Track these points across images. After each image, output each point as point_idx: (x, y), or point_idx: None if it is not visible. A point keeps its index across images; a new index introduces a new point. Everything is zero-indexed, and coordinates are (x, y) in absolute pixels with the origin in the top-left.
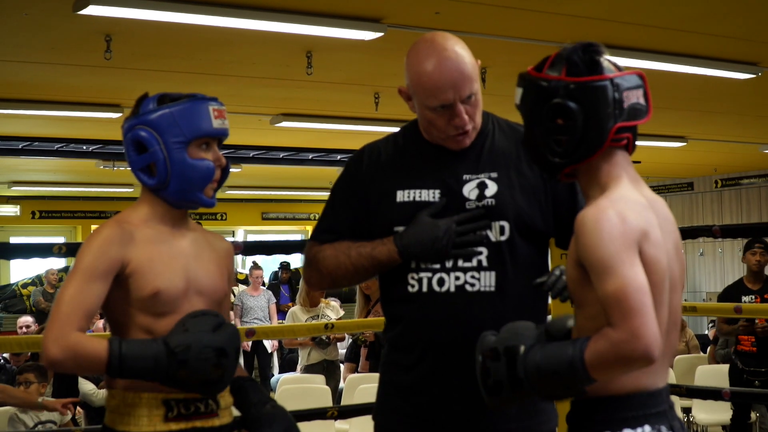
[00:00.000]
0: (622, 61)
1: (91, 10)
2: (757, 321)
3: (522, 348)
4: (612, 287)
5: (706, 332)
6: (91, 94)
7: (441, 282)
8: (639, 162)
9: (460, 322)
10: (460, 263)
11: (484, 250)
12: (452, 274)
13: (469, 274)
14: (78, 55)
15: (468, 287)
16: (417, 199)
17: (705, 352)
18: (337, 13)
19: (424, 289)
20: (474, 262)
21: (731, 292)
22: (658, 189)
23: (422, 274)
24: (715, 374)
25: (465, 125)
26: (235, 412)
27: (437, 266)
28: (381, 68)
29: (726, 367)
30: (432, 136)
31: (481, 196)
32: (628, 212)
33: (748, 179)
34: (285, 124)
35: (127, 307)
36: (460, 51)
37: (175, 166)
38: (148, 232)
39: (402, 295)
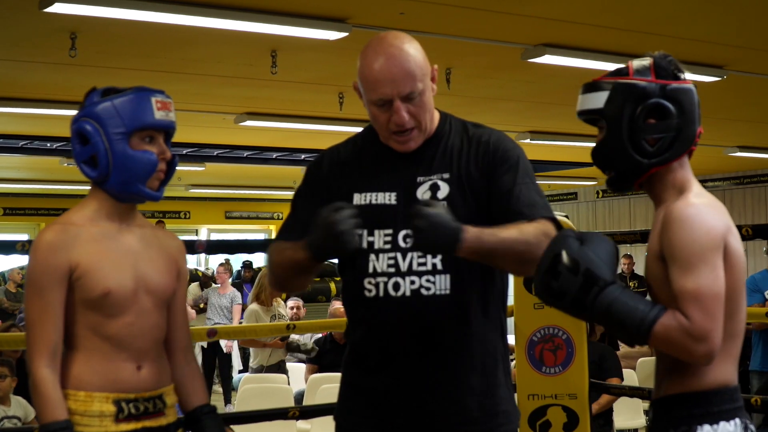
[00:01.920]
0: (586, 63)
1: (57, 7)
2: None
3: (602, 282)
4: (692, 285)
5: None
6: (56, 92)
7: (396, 286)
8: None
9: (416, 325)
10: (415, 267)
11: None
12: (407, 278)
13: (424, 278)
14: (43, 53)
15: (423, 291)
16: (373, 202)
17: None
18: (302, 13)
19: (381, 293)
20: (429, 266)
21: None
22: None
23: (378, 279)
24: None
25: (404, 124)
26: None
27: (392, 270)
28: (345, 68)
29: None
30: (379, 134)
31: (433, 198)
32: (713, 209)
33: (713, 182)
34: (249, 123)
35: (75, 308)
36: (407, 49)
37: (116, 157)
38: (93, 230)
39: (360, 299)
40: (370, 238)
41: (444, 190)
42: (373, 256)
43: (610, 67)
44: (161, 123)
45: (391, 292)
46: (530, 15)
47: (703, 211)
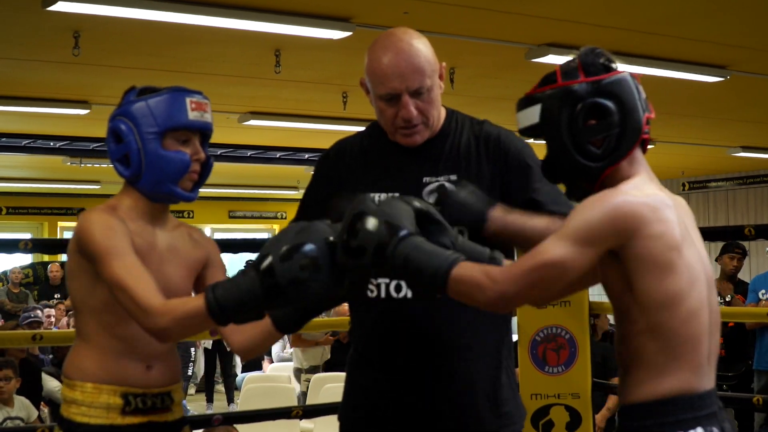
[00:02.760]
0: None
1: (60, 6)
2: (728, 324)
3: (402, 231)
4: (530, 261)
5: None
6: (59, 91)
7: (398, 288)
8: None
9: (418, 327)
10: None
11: None
12: None
13: None
14: (46, 51)
15: None
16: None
17: None
18: (306, 12)
19: (383, 294)
20: None
21: None
22: None
23: (380, 280)
24: None
25: (412, 119)
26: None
27: None
28: (349, 67)
29: None
30: (386, 129)
31: (440, 201)
32: (637, 197)
33: (716, 182)
34: (253, 122)
35: (94, 290)
36: (416, 45)
37: (148, 157)
38: (132, 225)
39: (363, 300)
40: None
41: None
42: None
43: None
44: (195, 123)
45: (393, 294)
46: (534, 15)
47: (617, 195)
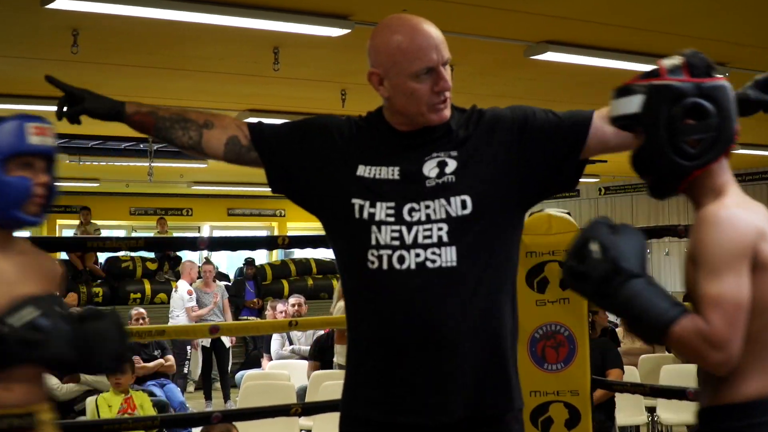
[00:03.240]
0: (589, 60)
1: (59, 4)
2: None
3: (627, 272)
4: (715, 290)
5: None
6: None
7: (401, 259)
8: (605, 161)
9: (420, 299)
10: (420, 240)
11: (444, 225)
12: (412, 251)
13: (429, 250)
14: (45, 50)
15: (429, 264)
16: (377, 176)
17: (669, 351)
18: (305, 10)
19: (384, 266)
20: (434, 238)
21: None
22: (624, 188)
23: (382, 252)
24: (680, 373)
25: (449, 87)
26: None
27: (397, 243)
28: (348, 65)
29: (692, 366)
30: (410, 112)
31: (441, 174)
32: (747, 214)
33: None
34: (252, 119)
35: None
36: (426, 21)
37: None
38: None
39: (361, 271)
40: (371, 210)
41: (452, 165)
42: (375, 228)
43: (617, 64)
44: (36, 148)
45: (396, 265)
46: (533, 12)
47: (735, 214)
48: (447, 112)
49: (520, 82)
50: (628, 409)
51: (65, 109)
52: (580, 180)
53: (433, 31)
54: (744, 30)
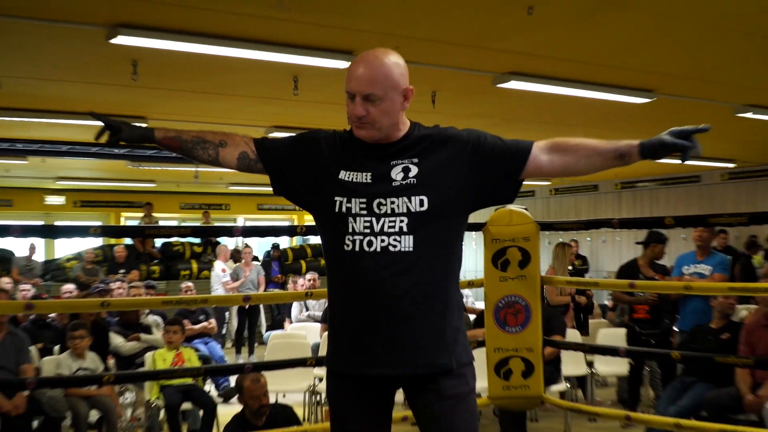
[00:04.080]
0: (544, 88)
1: (121, 39)
2: (648, 294)
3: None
4: None
5: (605, 302)
6: (120, 108)
7: (370, 243)
8: None
9: (384, 276)
10: (386, 229)
11: (405, 218)
12: (379, 237)
13: (392, 237)
14: (109, 77)
15: (391, 248)
16: (354, 180)
17: (605, 317)
18: (318, 46)
19: (357, 248)
20: (396, 228)
21: (627, 272)
22: (569, 190)
23: (356, 237)
24: (613, 335)
25: (356, 115)
26: None
27: (368, 231)
28: None
29: (623, 330)
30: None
31: (405, 177)
32: None
33: (642, 183)
34: (276, 134)
35: None
36: (385, 61)
37: None
38: None
39: (341, 252)
40: (348, 205)
41: (414, 170)
42: (351, 219)
43: (563, 91)
44: None
45: (366, 248)
46: (499, 49)
47: None
48: (363, 132)
49: (489, 106)
50: (571, 363)
51: (107, 138)
52: (536, 183)
53: (368, 67)
54: (666, 62)
